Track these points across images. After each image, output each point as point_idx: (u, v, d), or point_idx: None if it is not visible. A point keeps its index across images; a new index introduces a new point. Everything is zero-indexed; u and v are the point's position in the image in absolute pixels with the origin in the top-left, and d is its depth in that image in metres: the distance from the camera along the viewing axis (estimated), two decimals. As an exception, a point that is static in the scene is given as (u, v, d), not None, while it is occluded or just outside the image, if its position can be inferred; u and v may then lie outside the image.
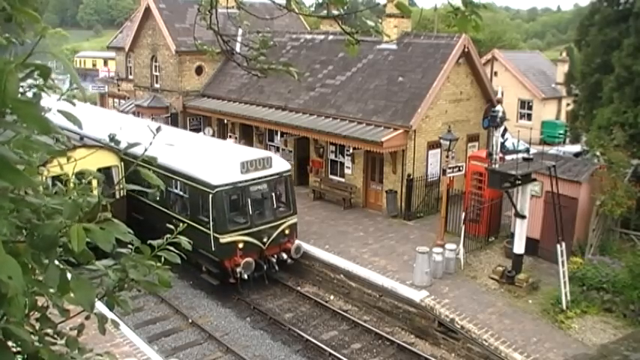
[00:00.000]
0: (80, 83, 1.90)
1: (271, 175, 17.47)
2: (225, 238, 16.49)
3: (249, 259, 16.50)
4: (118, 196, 17.57)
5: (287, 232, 17.72)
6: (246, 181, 16.84)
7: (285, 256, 17.54)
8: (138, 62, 33.60)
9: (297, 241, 18.03)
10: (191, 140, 20.74)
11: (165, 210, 18.24)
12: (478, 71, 23.68)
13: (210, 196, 16.43)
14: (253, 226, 16.89)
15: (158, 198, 18.18)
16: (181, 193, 17.98)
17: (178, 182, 18.01)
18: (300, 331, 15.48)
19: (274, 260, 17.35)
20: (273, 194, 17.52)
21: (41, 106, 1.79)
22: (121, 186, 16.76)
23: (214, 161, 17.58)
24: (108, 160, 17.50)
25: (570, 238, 17.03)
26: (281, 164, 18.17)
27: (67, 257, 1.97)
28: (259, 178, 17.13)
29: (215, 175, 16.72)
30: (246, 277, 16.54)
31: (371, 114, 22.40)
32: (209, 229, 16.57)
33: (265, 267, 17.15)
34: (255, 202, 17.08)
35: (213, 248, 16.62)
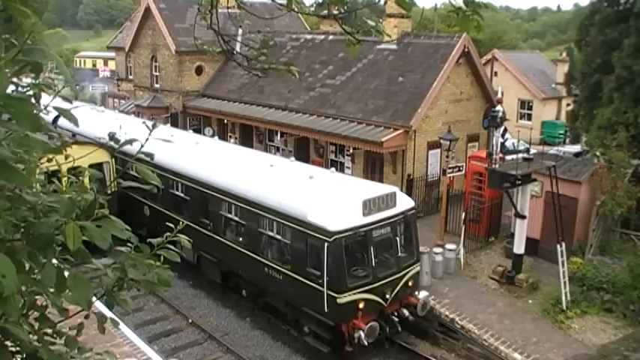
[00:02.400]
0: (72, 81, 1.89)
1: (396, 216, 14.10)
2: (343, 298, 13.07)
3: (373, 322, 13.33)
4: (109, 192, 17.73)
5: (410, 283, 14.44)
6: (368, 224, 13.43)
7: (406, 312, 14.28)
8: (138, 62, 33.59)
9: (422, 294, 14.71)
10: (286, 168, 16.65)
11: (255, 256, 15.07)
12: (478, 71, 23.68)
13: (326, 245, 12.91)
14: (376, 280, 13.54)
15: (242, 239, 15.74)
16: (278, 236, 14.57)
17: (274, 222, 14.53)
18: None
19: (396, 319, 14.14)
20: (398, 239, 14.19)
21: (34, 104, 1.78)
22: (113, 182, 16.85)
23: (328, 198, 13.97)
24: (99, 156, 17.61)
25: (570, 238, 17.02)
26: (405, 201, 14.73)
27: (65, 255, 1.97)
28: (383, 220, 13.76)
29: (332, 217, 13.23)
30: (366, 343, 13.37)
31: (371, 114, 22.40)
32: (321, 286, 13.18)
33: (387, 328, 13.97)
34: (377, 249, 13.76)
35: (326, 309, 13.24)
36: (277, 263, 14.44)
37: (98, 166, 17.54)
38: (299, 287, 13.71)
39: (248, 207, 15.23)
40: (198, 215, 16.95)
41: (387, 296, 13.80)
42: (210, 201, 16.62)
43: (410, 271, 14.41)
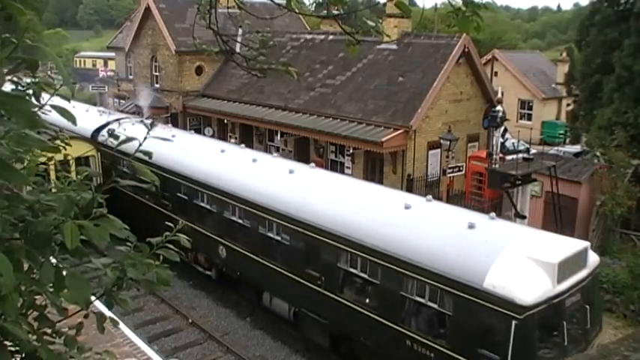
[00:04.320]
0: (69, 79, 1.90)
1: (586, 278, 10.96)
2: None
3: None
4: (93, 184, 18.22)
5: None
6: (562, 293, 10.32)
7: None
8: (138, 62, 33.61)
9: None
10: (428, 211, 12.73)
11: (392, 324, 11.71)
12: (478, 71, 23.68)
13: (514, 322, 9.70)
14: None
15: (370, 300, 12.32)
16: (431, 303, 11.02)
17: (426, 285, 11.02)
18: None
19: None
20: (587, 307, 10.98)
21: (31, 102, 1.78)
22: (99, 173, 16.99)
23: (511, 259, 10.40)
24: (85, 149, 18.09)
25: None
26: (592, 257, 11.53)
27: (64, 255, 1.97)
28: (575, 285, 10.66)
29: (521, 286, 9.92)
30: None
31: (371, 114, 22.40)
32: None
33: None
34: (569, 323, 10.70)
35: None
36: (427, 337, 11.14)
37: (84, 159, 18.55)
38: None
39: (382, 262, 11.70)
40: (302, 265, 13.63)
41: None
42: (323, 249, 13.05)
43: (594, 343, 11.32)
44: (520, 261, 10.37)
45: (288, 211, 13.94)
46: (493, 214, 12.54)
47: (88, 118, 22.86)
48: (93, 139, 21.00)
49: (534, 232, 12.22)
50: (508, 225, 12.72)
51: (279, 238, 14.38)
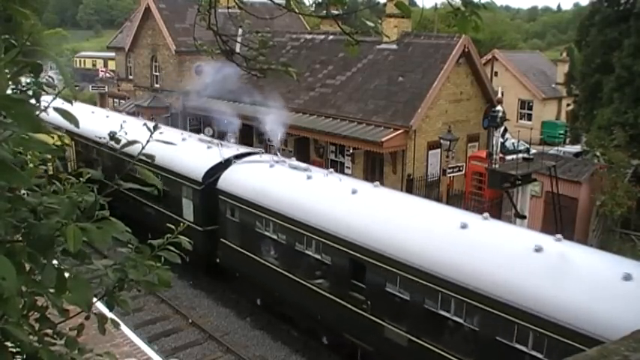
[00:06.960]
0: (71, 81, 1.90)
1: None
2: None
3: None
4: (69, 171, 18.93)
5: None
6: None
7: None
8: (138, 62, 33.61)
9: None
10: None
11: None
12: (478, 71, 23.68)
13: None
14: None
15: None
16: None
17: None
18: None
19: None
20: None
21: (34, 105, 1.78)
22: (73, 162, 17.35)
23: None
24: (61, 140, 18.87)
25: (570, 239, 17.03)
26: None
27: (65, 257, 1.97)
28: None
29: None
30: None
31: (371, 114, 22.40)
32: None
33: None
34: None
35: None
36: None
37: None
38: None
39: None
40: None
41: None
42: None
43: None
44: None
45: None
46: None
47: (189, 152, 17.64)
48: (204, 184, 15.89)
49: None
50: None
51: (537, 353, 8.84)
